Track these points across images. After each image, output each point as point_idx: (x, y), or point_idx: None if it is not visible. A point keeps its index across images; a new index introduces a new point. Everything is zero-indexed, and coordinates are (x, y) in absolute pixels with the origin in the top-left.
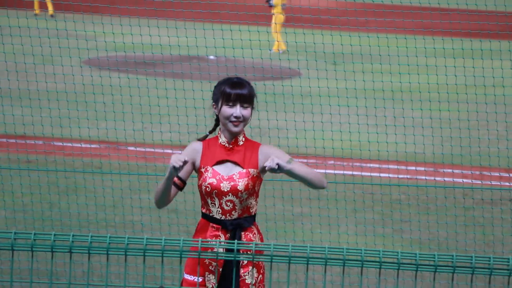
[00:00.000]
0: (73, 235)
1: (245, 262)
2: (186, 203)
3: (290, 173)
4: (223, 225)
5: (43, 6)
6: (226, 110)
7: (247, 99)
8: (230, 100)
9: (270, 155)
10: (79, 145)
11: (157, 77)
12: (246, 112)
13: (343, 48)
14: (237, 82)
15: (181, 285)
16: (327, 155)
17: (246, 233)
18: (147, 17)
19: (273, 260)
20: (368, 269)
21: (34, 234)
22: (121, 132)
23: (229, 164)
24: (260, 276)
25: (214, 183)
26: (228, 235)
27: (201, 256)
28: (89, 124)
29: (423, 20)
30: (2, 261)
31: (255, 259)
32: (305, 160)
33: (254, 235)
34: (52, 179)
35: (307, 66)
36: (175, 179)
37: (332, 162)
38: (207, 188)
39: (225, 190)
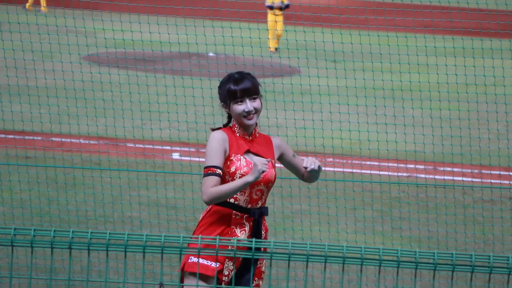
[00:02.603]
0: (72, 231)
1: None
2: (185, 200)
3: (314, 172)
4: (250, 213)
5: (37, 2)
6: (237, 108)
7: (253, 91)
8: (238, 97)
9: (283, 148)
10: (78, 141)
11: (156, 74)
12: (256, 103)
13: (343, 46)
14: (239, 78)
15: (186, 269)
16: (327, 153)
17: (263, 221)
18: (147, 14)
19: (273, 258)
20: (367, 267)
21: (34, 230)
22: (120, 128)
23: (251, 156)
24: (260, 281)
25: (248, 172)
26: (251, 223)
27: (218, 254)
28: (88, 120)
29: (424, 19)
30: (1, 257)
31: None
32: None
33: (265, 222)
34: (50, 175)
35: (307, 64)
36: (218, 170)
37: (331, 160)
38: (240, 176)
39: (259, 180)
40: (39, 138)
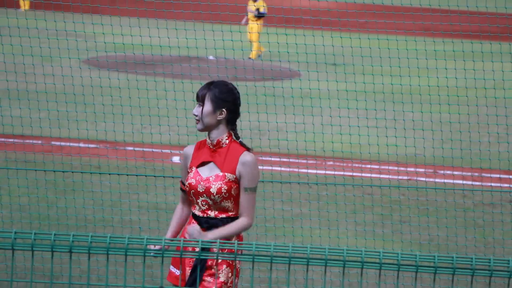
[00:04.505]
0: (73, 235)
1: (219, 260)
2: None
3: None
4: (199, 222)
5: (32, 6)
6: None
7: (199, 98)
8: (196, 99)
9: (242, 172)
10: (77, 145)
11: (156, 77)
12: (199, 110)
13: (343, 50)
14: (206, 83)
15: (167, 277)
16: (327, 156)
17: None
18: (147, 18)
19: (273, 261)
20: (368, 271)
21: (34, 233)
22: (120, 132)
23: (211, 165)
24: (236, 279)
25: (192, 184)
26: (204, 231)
27: (183, 256)
28: (88, 124)
29: (424, 22)
30: (1, 261)
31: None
32: (304, 161)
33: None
34: (50, 179)
35: (307, 67)
36: (181, 185)
37: (331, 163)
38: (187, 187)
39: (200, 191)
40: (39, 142)
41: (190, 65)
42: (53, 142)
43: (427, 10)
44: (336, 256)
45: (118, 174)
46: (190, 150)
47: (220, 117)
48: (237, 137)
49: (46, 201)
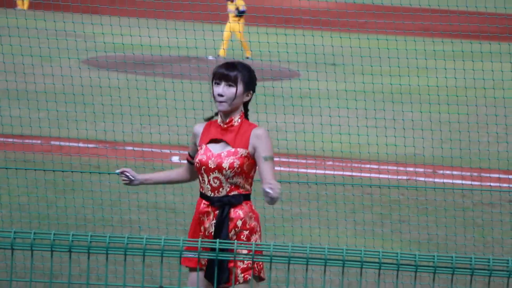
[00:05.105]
0: (72, 235)
1: (239, 225)
2: (184, 203)
3: (268, 197)
4: (211, 201)
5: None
6: (214, 89)
7: (231, 78)
8: (216, 78)
9: (257, 144)
10: (77, 145)
11: (156, 77)
12: (229, 91)
13: (343, 50)
14: (228, 63)
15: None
16: (326, 156)
17: (235, 209)
18: (146, 18)
19: (273, 260)
20: (367, 270)
21: (34, 233)
22: (120, 132)
23: (222, 143)
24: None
25: (203, 160)
26: (217, 211)
27: (199, 256)
28: (88, 124)
29: (423, 22)
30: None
31: (255, 259)
32: (304, 161)
33: (245, 212)
34: (49, 179)
35: (307, 67)
36: (188, 157)
37: (331, 163)
38: (197, 164)
39: (212, 167)
40: (38, 142)
41: (190, 65)
42: (52, 142)
43: (427, 10)
44: (336, 256)
45: (118, 174)
46: (199, 128)
47: (246, 98)
48: (247, 117)
49: (46, 201)
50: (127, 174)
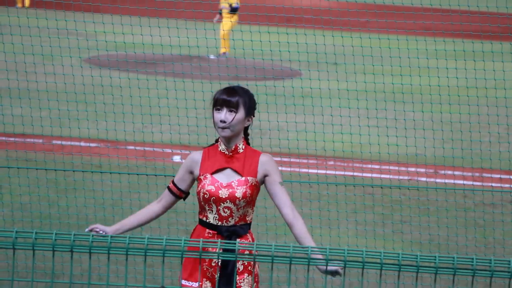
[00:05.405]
0: (74, 234)
1: (241, 269)
2: (186, 203)
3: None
4: (218, 230)
5: (32, 3)
6: (215, 115)
7: (233, 104)
8: (218, 105)
9: (268, 170)
10: (78, 144)
11: (157, 76)
12: (232, 117)
13: (344, 49)
14: (228, 88)
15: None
16: (328, 155)
17: (242, 240)
18: (148, 16)
19: (274, 261)
20: (368, 271)
21: (36, 233)
22: (121, 131)
23: (228, 172)
24: (255, 284)
25: (212, 190)
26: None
27: (202, 257)
28: (89, 123)
29: (425, 21)
30: (1, 260)
31: (256, 259)
32: (305, 161)
33: (249, 242)
34: (51, 178)
35: (308, 66)
36: (172, 186)
37: (332, 162)
38: (205, 195)
39: (223, 197)
40: (40, 141)
41: (191, 64)
42: (54, 141)
43: (428, 10)
44: (337, 256)
45: (119, 173)
46: (197, 156)
47: (247, 123)
48: (248, 143)
49: (47, 200)
50: (97, 230)
